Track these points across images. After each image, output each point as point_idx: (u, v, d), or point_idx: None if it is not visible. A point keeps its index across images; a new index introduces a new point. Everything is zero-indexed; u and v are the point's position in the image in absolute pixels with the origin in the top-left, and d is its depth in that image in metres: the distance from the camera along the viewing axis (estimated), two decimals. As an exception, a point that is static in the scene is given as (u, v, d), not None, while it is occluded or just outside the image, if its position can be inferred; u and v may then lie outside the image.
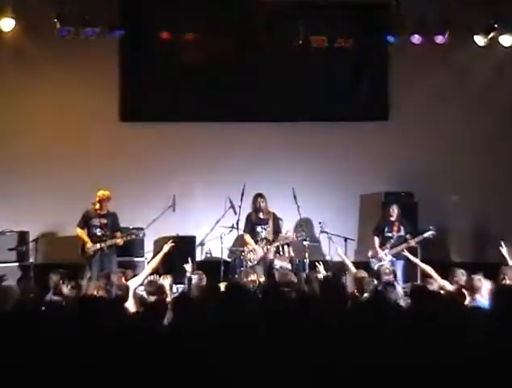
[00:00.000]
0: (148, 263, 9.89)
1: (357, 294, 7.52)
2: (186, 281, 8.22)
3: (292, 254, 10.06)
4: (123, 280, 7.76)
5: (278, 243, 9.98)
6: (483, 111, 11.15)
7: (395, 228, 10.09)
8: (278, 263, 9.94)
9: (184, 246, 10.16)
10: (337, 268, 9.57)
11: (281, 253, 10.07)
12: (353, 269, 8.63)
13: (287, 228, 10.32)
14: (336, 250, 9.56)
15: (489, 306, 5.47)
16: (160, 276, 8.35)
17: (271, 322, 5.02)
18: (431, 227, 9.88)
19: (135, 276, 8.24)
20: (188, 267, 8.38)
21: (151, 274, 8.06)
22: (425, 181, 11.07)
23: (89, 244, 9.70)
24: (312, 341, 4.57)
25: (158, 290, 7.17)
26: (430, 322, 4.71)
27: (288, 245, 10.06)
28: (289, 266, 9.92)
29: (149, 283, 7.50)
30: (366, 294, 7.34)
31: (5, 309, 5.54)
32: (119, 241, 9.74)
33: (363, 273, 8.02)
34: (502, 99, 11.17)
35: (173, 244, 8.62)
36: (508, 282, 7.58)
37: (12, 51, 10.70)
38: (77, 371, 4.30)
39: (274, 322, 4.97)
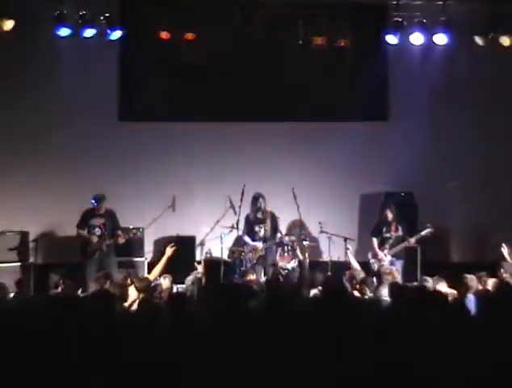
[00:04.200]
0: (148, 265, 10.03)
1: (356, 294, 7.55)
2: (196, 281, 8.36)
3: (300, 255, 10.10)
4: (128, 281, 7.81)
5: (276, 242, 10.05)
6: (483, 111, 11.14)
7: (393, 228, 10.10)
8: (278, 264, 9.98)
9: (184, 246, 10.18)
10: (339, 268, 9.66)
11: (281, 253, 10.13)
12: (358, 268, 8.67)
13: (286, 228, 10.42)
14: (346, 251, 9.66)
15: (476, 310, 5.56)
16: (160, 276, 8.44)
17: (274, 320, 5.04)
18: (428, 225, 9.90)
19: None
20: (200, 267, 8.60)
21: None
22: (426, 181, 11.07)
23: (92, 238, 9.71)
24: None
25: (147, 287, 7.29)
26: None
27: (288, 245, 10.12)
28: (289, 266, 9.99)
29: (140, 279, 7.58)
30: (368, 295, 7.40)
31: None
32: (120, 239, 9.75)
33: (362, 274, 8.06)
34: (502, 99, 11.17)
35: (175, 247, 8.79)
36: (505, 276, 7.88)
37: (12, 51, 10.71)
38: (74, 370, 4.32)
39: (278, 321, 4.99)
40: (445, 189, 11.16)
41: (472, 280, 7.29)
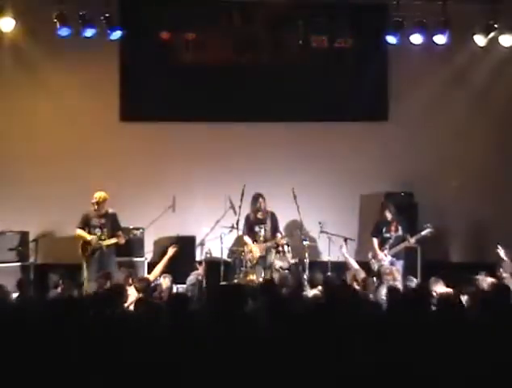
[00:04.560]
0: (148, 265, 10.05)
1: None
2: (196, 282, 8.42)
3: (289, 254, 10.08)
4: (129, 281, 7.84)
5: (274, 242, 10.03)
6: (483, 111, 11.15)
7: (392, 228, 10.08)
8: (278, 264, 9.98)
9: (184, 246, 10.17)
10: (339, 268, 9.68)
11: (281, 253, 10.12)
12: (356, 267, 8.71)
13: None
14: (340, 248, 9.67)
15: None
16: (160, 276, 8.47)
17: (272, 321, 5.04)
18: (428, 224, 9.89)
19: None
20: (201, 269, 8.66)
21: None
22: (425, 181, 11.06)
23: (90, 237, 9.68)
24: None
25: (147, 288, 7.32)
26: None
27: (288, 245, 10.11)
28: (288, 266, 9.98)
29: (140, 279, 7.61)
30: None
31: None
32: (121, 239, 9.74)
33: (363, 274, 8.07)
34: (502, 100, 11.16)
35: (176, 248, 8.85)
36: (504, 275, 7.93)
37: (12, 51, 10.72)
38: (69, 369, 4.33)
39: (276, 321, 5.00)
40: (445, 189, 11.15)
41: (483, 281, 7.35)
